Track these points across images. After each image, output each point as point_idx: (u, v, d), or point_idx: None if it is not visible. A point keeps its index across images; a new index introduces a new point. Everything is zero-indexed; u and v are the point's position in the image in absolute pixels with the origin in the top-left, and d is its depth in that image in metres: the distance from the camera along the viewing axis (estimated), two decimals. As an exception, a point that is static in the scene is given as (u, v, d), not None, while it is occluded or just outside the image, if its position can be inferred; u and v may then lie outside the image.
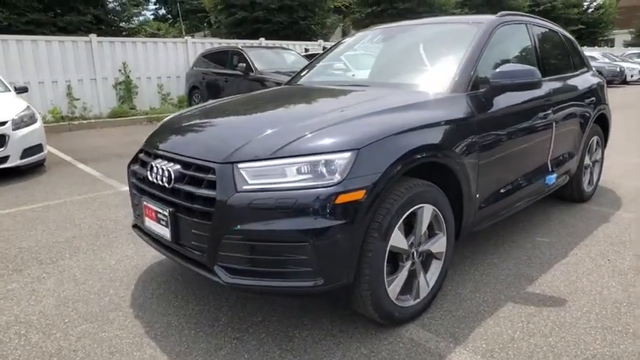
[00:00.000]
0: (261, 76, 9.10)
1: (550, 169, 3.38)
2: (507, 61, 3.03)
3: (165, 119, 2.89)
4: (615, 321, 2.36)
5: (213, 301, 2.60)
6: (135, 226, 2.69)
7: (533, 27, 3.43)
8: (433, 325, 2.33)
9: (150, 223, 2.36)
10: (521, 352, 2.12)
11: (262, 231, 1.91)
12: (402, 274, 2.24)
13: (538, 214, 3.93)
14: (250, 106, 2.86)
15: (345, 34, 33.42)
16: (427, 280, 2.39)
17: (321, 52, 12.58)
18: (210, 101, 3.23)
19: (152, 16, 42.45)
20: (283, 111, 2.62)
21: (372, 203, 1.97)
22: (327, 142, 2.00)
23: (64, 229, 3.82)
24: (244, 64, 9.37)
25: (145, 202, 2.37)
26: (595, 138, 4.12)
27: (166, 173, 2.18)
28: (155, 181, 2.28)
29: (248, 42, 13.61)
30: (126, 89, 11.17)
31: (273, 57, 10.15)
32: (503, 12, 3.21)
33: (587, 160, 4.04)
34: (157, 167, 2.26)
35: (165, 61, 12.08)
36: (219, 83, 10.28)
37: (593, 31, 33.51)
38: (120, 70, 11.13)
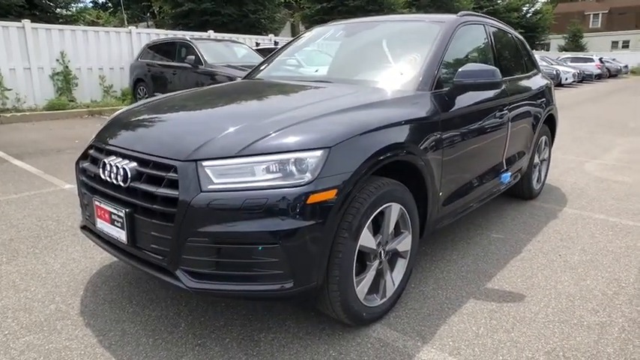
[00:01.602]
0: (212, 69, 8.83)
1: (505, 168, 3.49)
2: (468, 61, 3.09)
3: (117, 113, 2.70)
4: (570, 314, 2.46)
5: (172, 306, 2.46)
6: (84, 227, 2.49)
7: (490, 28, 3.52)
8: (399, 324, 2.33)
9: (102, 225, 2.19)
10: (486, 348, 2.15)
11: (229, 233, 1.81)
12: (370, 274, 2.21)
13: (491, 211, 4.06)
14: (209, 100, 2.72)
15: (294, 30, 33.22)
16: (393, 279, 2.38)
17: (274, 46, 12.46)
18: (163, 95, 3.06)
19: (91, 4, 40.22)
20: (246, 107, 2.52)
21: (343, 203, 1.92)
22: (297, 139, 1.92)
23: (0, 230, 3.50)
24: (193, 57, 9.06)
25: (96, 203, 2.19)
26: (544, 137, 4.31)
27: (121, 171, 2.03)
28: (108, 179, 2.11)
29: (196, 34, 13.18)
30: (64, 80, 10.47)
31: (223, 50, 9.88)
32: (463, 12, 3.27)
33: (536, 159, 4.21)
34: (110, 164, 2.10)
35: (108, 52, 11.44)
36: (167, 76, 9.89)
37: (531, 35, 35.40)
38: (57, 60, 10.42)
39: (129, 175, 2.00)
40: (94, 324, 2.30)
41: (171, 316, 2.37)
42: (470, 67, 2.70)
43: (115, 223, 2.09)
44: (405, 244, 2.40)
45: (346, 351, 2.10)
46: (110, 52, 11.46)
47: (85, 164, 2.35)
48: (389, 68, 2.88)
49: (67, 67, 10.49)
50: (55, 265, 2.94)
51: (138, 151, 2.06)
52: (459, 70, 2.69)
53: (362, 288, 2.17)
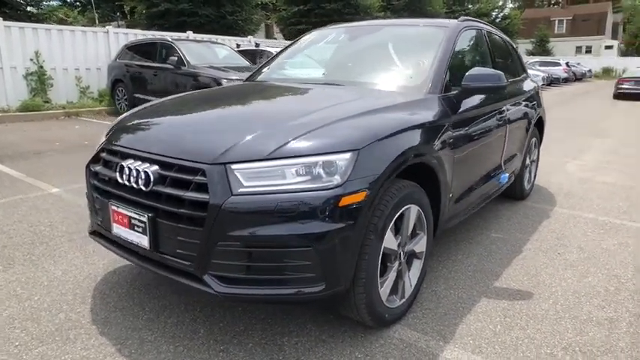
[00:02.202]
0: (194, 70, 8.71)
1: (503, 168, 3.58)
2: (470, 65, 3.15)
3: (126, 114, 2.63)
4: (579, 310, 2.54)
5: (187, 312, 2.41)
6: (94, 233, 2.42)
7: (487, 33, 3.60)
8: (419, 325, 2.35)
9: (120, 230, 2.13)
10: (506, 346, 2.20)
11: (261, 236, 1.79)
12: (392, 275, 2.23)
13: (487, 211, 4.15)
14: (222, 102, 2.69)
15: (268, 32, 33.05)
16: (410, 280, 2.41)
17: (255, 48, 12.37)
18: (169, 97, 3.00)
19: (59, 2, 38.96)
20: (264, 109, 2.50)
21: (371, 205, 1.94)
22: (326, 142, 1.92)
23: (-9, 237, 3.35)
24: (176, 58, 8.91)
25: (113, 207, 2.13)
26: (534, 139, 4.45)
27: (142, 175, 1.98)
28: (127, 183, 2.05)
29: (175, 35, 12.96)
30: (39, 81, 10.12)
31: (205, 51, 9.75)
32: (464, 17, 3.34)
33: (527, 160, 4.33)
34: (128, 168, 2.04)
35: (84, 52, 11.12)
36: (147, 77, 9.68)
37: (500, 40, 36.37)
38: (32, 60, 10.05)
39: (151, 179, 1.95)
40: (109, 332, 2.23)
41: (188, 322, 2.33)
42: (476, 70, 2.76)
43: (136, 228, 2.04)
44: (421, 244, 2.43)
45: (372, 353, 2.11)
46: (86, 52, 11.14)
47: (98, 168, 2.28)
48: (398, 72, 2.92)
49: (41, 67, 10.14)
50: (56, 273, 2.84)
51: (160, 154, 2.01)
52: (467, 73, 2.74)
53: (385, 289, 2.18)
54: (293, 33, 23.08)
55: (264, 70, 3.50)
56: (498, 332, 2.31)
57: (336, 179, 1.84)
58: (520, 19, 37.39)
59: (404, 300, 2.35)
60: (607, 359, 2.13)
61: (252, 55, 11.36)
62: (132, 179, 2.03)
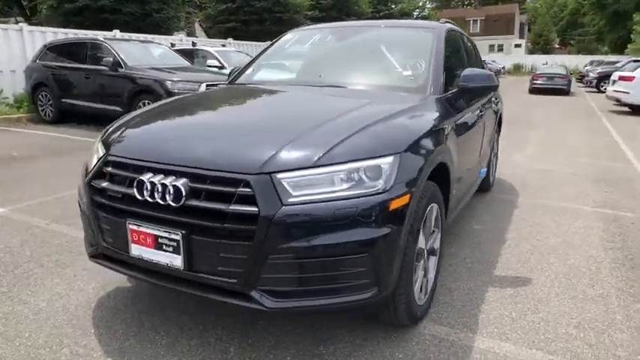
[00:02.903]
0: (133, 72, 8.17)
1: (480, 163, 3.77)
2: (455, 65, 3.27)
3: (121, 122, 2.42)
4: (574, 290, 2.75)
5: (207, 332, 2.28)
6: (98, 255, 2.21)
7: (461, 35, 3.76)
8: (443, 319, 2.42)
9: (141, 251, 1.96)
10: (526, 330, 2.33)
11: (315, 246, 1.74)
12: (420, 274, 2.27)
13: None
14: (235, 107, 2.57)
15: (190, 30, 31.91)
16: (429, 277, 2.47)
17: (192, 47, 11.90)
18: (167, 100, 2.81)
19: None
20: (287, 114, 2.38)
21: (413, 206, 1.95)
22: (369, 146, 1.91)
23: (-55, 269, 2.94)
24: (111, 59, 8.31)
25: (132, 227, 1.95)
26: (496, 134, 4.73)
27: (171, 189, 1.83)
28: (150, 199, 1.89)
29: (100, 34, 12.11)
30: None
31: (141, 51, 9.18)
32: (443, 19, 3.46)
33: (492, 154, 4.60)
34: (151, 183, 1.88)
35: (-6, 52, 10.01)
36: (76, 80, 8.92)
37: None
38: None
39: (183, 194, 1.82)
40: (130, 363, 2.05)
41: (214, 342, 2.21)
42: (470, 71, 2.88)
43: (164, 247, 1.89)
44: (437, 241, 2.50)
45: (412, 352, 2.14)
46: (-3, 52, 10.04)
47: (105, 184, 2.07)
48: (396, 73, 2.95)
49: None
50: (39, 304, 2.55)
51: (188, 166, 1.88)
52: (463, 74, 2.85)
53: (417, 288, 2.22)
54: (222, 31, 22.52)
55: (248, 72, 3.38)
56: (515, 318, 2.44)
57: (383, 183, 1.83)
58: (437, 18, 39.42)
59: (427, 296, 2.41)
60: (612, 332, 2.33)
61: (188, 55, 10.91)
62: (156, 195, 1.87)
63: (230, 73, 3.69)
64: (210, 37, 22.01)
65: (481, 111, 3.53)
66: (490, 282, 2.83)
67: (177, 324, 2.35)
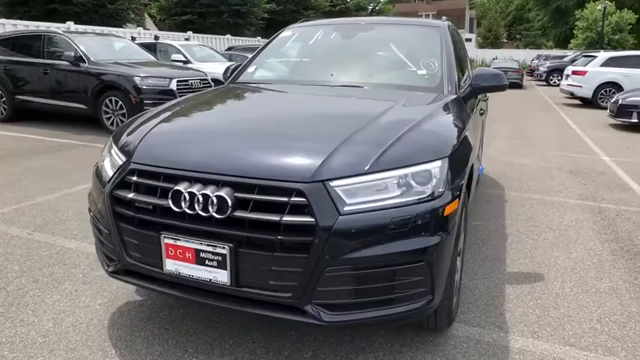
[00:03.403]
0: (98, 68, 7.70)
1: (479, 160, 3.83)
2: (458, 63, 3.27)
3: (143, 124, 2.24)
4: (585, 284, 2.84)
5: (239, 345, 2.18)
6: (120, 272, 2.04)
7: (457, 33, 3.79)
8: (471, 319, 2.43)
9: (178, 266, 1.83)
10: (554, 327, 2.38)
11: (374, 257, 1.69)
12: (457, 276, 2.26)
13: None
14: (262, 110, 2.44)
15: (139, 23, 30.58)
16: (457, 277, 2.47)
17: (154, 41, 11.39)
18: (178, 101, 2.64)
19: None
20: (320, 117, 2.27)
21: (459, 211, 1.93)
22: (417, 151, 1.87)
23: None
24: (72, 53, 7.80)
25: (167, 241, 1.82)
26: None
27: (214, 200, 1.71)
28: (189, 211, 1.76)
29: (53, 25, 11.39)
30: None
31: (104, 45, 8.66)
32: (444, 18, 3.46)
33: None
34: (190, 194, 1.75)
35: None
36: (32, 76, 8.29)
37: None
38: None
39: (229, 204, 1.70)
40: (166, 385, 1.92)
41: (248, 357, 2.10)
42: (482, 71, 2.90)
43: (208, 262, 1.77)
44: (462, 242, 2.50)
45: (453, 356, 2.13)
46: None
47: (131, 195, 1.91)
48: (410, 72, 2.91)
49: None
50: (45, 325, 2.34)
51: (232, 175, 1.76)
52: (475, 74, 2.86)
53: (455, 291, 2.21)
54: (178, 24, 21.79)
55: (250, 70, 3.24)
56: (540, 315, 2.49)
57: (434, 188, 1.79)
58: (393, 12, 40.03)
59: (456, 297, 2.41)
60: (633, 324, 2.43)
61: (150, 49, 10.45)
62: (197, 206, 1.74)
63: (226, 71, 3.53)
64: (160, 30, 21.14)
65: (481, 109, 3.58)
66: (505, 279, 2.88)
67: (205, 340, 2.22)
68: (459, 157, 2.01)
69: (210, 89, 3.01)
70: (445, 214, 1.79)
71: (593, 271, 3.01)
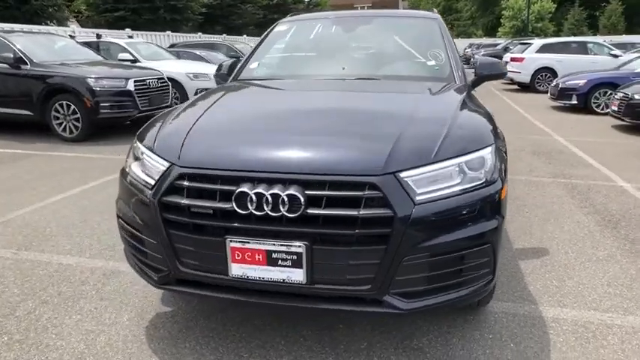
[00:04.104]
0: (42, 70, 7.14)
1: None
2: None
3: (178, 124, 2.13)
4: (585, 254, 3.09)
5: (295, 345, 2.17)
6: (170, 282, 1.96)
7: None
8: (500, 296, 2.57)
9: (246, 270, 1.79)
10: (573, 294, 2.58)
11: (447, 243, 1.75)
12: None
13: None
14: (298, 105, 2.42)
15: (60, 20, 28.60)
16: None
17: (96, 40, 10.72)
18: (200, 100, 2.53)
19: None
20: (361, 110, 2.25)
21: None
22: (470, 139, 1.94)
23: None
24: (11, 55, 7.18)
25: (235, 244, 1.77)
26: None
27: (285, 199, 1.69)
28: (257, 212, 1.72)
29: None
30: None
31: (45, 45, 8.02)
32: (432, 8, 3.58)
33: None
34: (257, 194, 1.71)
35: None
36: (-36, 80, 7.58)
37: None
38: None
39: (302, 202, 1.68)
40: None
41: (307, 354, 2.10)
42: (484, 60, 3.04)
43: (281, 262, 1.74)
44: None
45: (497, 330, 2.25)
46: None
47: (186, 201, 1.82)
48: (419, 63, 2.97)
49: None
50: (76, 347, 2.19)
51: (301, 172, 1.74)
52: (478, 62, 2.99)
53: (492, 269, 2.32)
54: (110, 21, 20.61)
55: (252, 66, 3.17)
56: (558, 286, 2.68)
57: (489, 174, 1.87)
58: (329, 5, 40.29)
59: (492, 276, 2.53)
60: (637, 285, 2.67)
61: (93, 48, 9.83)
62: (266, 207, 1.71)
63: (219, 68, 3.43)
64: (84, 27, 19.86)
65: (472, 96, 3.73)
66: (516, 256, 3.06)
67: (256, 343, 2.19)
68: (499, 144, 2.11)
69: (217, 87, 2.91)
70: (502, 196, 1.88)
71: (588, 241, 3.28)
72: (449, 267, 1.79)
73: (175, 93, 8.70)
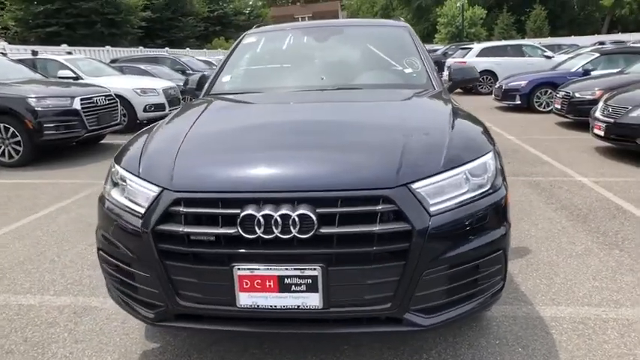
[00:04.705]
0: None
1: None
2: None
3: (174, 148, 1.93)
4: (565, 250, 3.18)
5: None
6: (168, 318, 1.79)
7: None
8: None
9: (256, 299, 1.65)
10: (565, 291, 2.63)
11: (464, 253, 1.71)
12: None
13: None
14: (280, 118, 2.31)
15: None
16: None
17: (32, 57, 10.02)
18: (175, 120, 2.36)
19: None
20: (357, 122, 2.16)
21: (505, 197, 2.03)
22: (472, 146, 1.92)
23: None
24: None
25: (243, 272, 1.63)
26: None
27: (296, 219, 1.58)
28: (265, 236, 1.60)
29: None
30: None
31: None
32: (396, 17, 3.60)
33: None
34: (265, 217, 1.59)
35: None
36: None
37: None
38: None
39: (314, 222, 1.58)
40: None
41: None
42: (457, 66, 3.07)
43: (294, 288, 1.62)
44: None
45: (502, 334, 2.24)
46: None
47: (185, 229, 1.66)
48: (397, 71, 2.94)
49: None
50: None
51: (311, 190, 1.63)
52: (452, 68, 3.02)
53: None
54: (42, 36, 19.47)
55: (225, 79, 3.01)
56: (548, 284, 2.73)
57: (491, 180, 1.86)
58: (271, 16, 40.34)
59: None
60: (619, 276, 2.77)
61: (29, 66, 9.17)
62: (275, 229, 1.59)
63: (186, 83, 3.26)
64: (12, 44, 18.64)
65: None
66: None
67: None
68: (496, 148, 2.11)
69: (194, 103, 2.73)
70: (508, 201, 1.87)
71: (564, 237, 3.38)
72: (466, 277, 1.75)
73: (122, 110, 8.27)
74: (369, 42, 3.16)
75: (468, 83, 3.17)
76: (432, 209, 1.66)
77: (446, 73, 7.77)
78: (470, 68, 3.07)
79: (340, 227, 1.60)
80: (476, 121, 2.22)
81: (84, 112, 6.67)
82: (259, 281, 1.64)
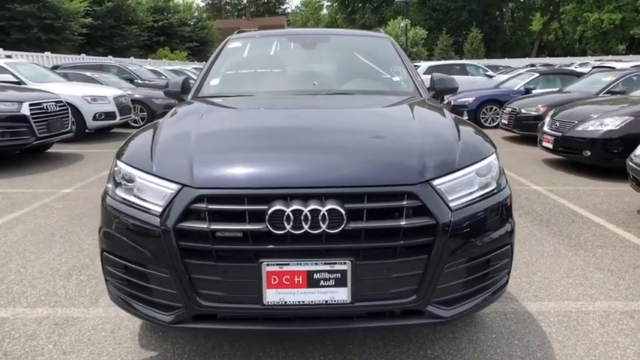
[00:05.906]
0: None
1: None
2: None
3: (189, 143, 1.89)
4: (537, 252, 3.39)
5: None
6: (186, 320, 1.73)
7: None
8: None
9: (283, 295, 1.64)
10: (545, 288, 2.81)
11: (481, 246, 1.81)
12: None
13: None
14: (292, 119, 2.33)
15: None
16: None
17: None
18: (185, 120, 2.29)
19: None
20: (367, 123, 2.23)
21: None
22: (478, 146, 2.02)
23: None
24: None
25: (271, 268, 1.62)
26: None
27: (326, 215, 1.60)
28: (294, 232, 1.60)
29: None
30: None
31: None
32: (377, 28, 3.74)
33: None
34: (295, 212, 1.59)
35: None
36: None
37: (202, 49, 38.03)
38: None
39: (344, 217, 1.61)
40: None
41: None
42: (439, 76, 3.22)
43: (323, 282, 1.63)
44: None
45: (496, 329, 2.36)
46: None
47: (209, 226, 1.62)
48: (385, 78, 3.04)
49: None
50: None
51: (340, 186, 1.66)
52: (435, 78, 3.16)
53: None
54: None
55: (213, 83, 2.97)
56: (528, 282, 2.90)
57: (496, 177, 1.97)
58: (217, 29, 39.97)
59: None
60: (590, 273, 3.00)
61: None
62: (305, 224, 1.60)
63: (167, 85, 3.17)
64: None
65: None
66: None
67: (270, 376, 2.01)
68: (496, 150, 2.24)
69: (190, 104, 2.64)
70: (510, 201, 1.99)
71: (534, 240, 3.61)
72: (480, 270, 1.84)
73: (72, 118, 7.84)
74: (355, 50, 3.25)
75: (449, 93, 3.34)
76: (452, 205, 1.74)
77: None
78: (451, 79, 3.23)
79: (369, 222, 1.64)
80: (474, 125, 2.35)
81: (33, 118, 6.26)
82: (288, 277, 1.63)
